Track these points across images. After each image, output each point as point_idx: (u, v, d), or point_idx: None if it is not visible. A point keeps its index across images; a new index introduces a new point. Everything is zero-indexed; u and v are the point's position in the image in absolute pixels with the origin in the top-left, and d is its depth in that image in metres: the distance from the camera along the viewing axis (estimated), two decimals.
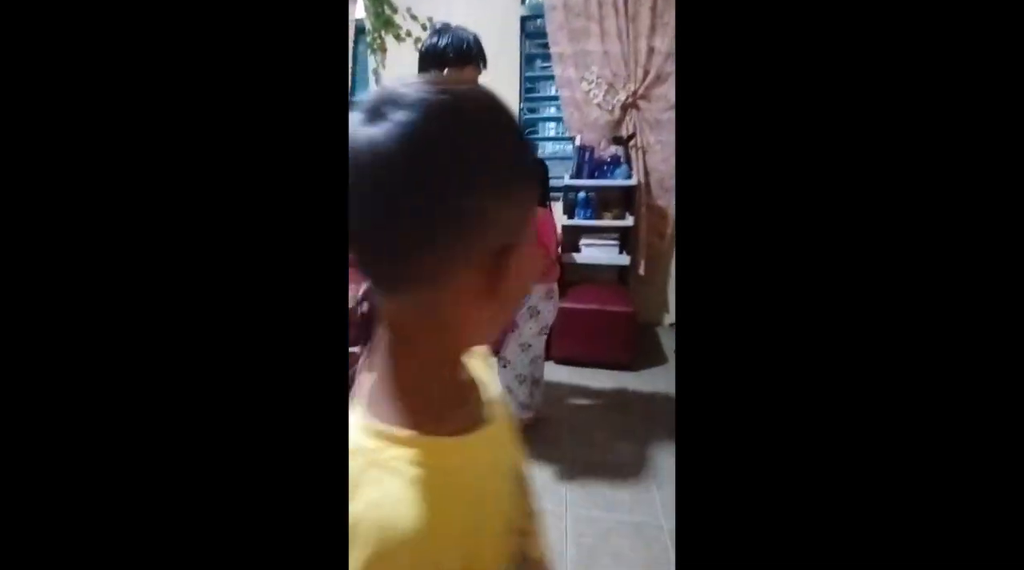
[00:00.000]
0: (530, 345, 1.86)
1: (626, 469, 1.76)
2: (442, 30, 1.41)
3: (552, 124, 3.18)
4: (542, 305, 1.82)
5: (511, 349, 1.85)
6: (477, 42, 1.41)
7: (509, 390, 1.89)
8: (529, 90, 3.00)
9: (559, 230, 2.73)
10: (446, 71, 1.39)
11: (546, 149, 3.25)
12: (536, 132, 3.16)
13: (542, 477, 1.70)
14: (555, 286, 1.86)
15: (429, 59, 1.41)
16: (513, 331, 1.83)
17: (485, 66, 1.44)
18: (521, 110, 3.00)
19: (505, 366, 1.87)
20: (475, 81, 1.42)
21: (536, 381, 1.95)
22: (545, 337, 1.90)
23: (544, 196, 1.76)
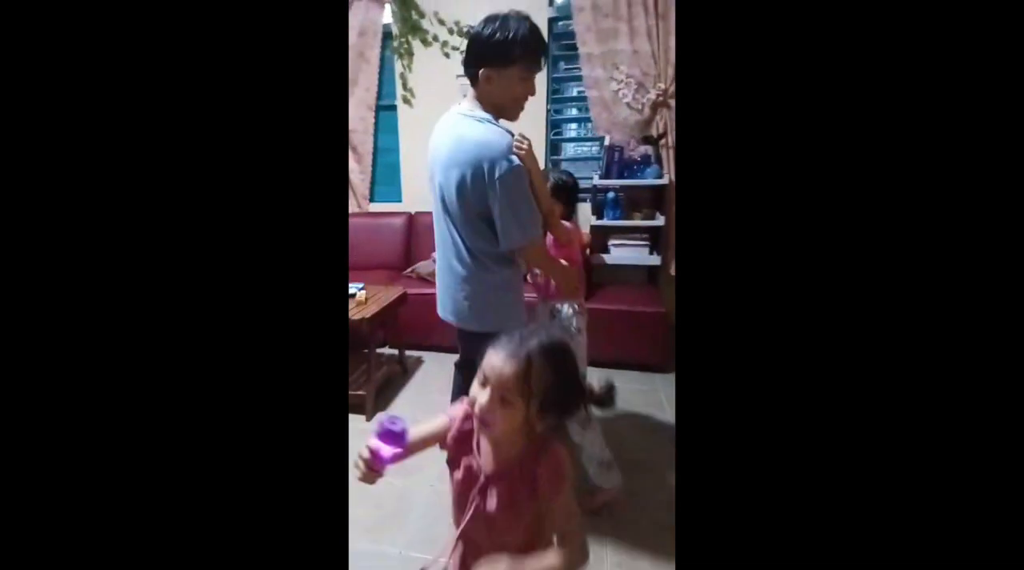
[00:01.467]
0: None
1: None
2: (490, 19, 1.20)
3: (574, 125, 3.17)
4: (573, 322, 1.65)
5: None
6: (526, 37, 1.18)
7: (576, 447, 1.60)
8: (554, 91, 3.00)
9: (586, 235, 2.70)
10: (482, 71, 1.19)
11: (568, 150, 3.23)
12: (560, 133, 3.15)
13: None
14: (583, 302, 1.70)
15: (469, 53, 1.23)
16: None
17: (539, 66, 1.23)
18: (548, 111, 2.99)
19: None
20: (517, 84, 1.21)
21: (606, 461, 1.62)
22: (585, 361, 1.73)
23: (572, 210, 1.69)
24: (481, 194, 1.20)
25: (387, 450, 0.71)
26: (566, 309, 1.65)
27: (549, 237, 1.49)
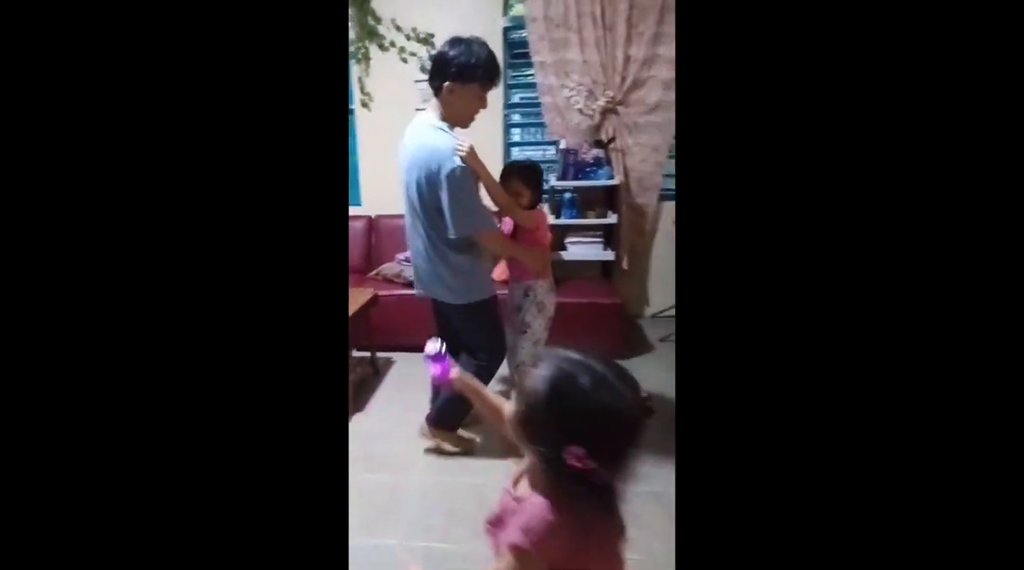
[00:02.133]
0: (540, 340, 1.96)
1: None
2: (455, 41, 1.48)
3: (521, 129, 3.31)
4: (547, 298, 1.92)
5: (526, 349, 1.91)
6: (486, 61, 1.48)
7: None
8: (508, 98, 3.12)
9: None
10: (446, 85, 1.47)
11: (519, 153, 3.37)
12: (515, 137, 3.28)
13: None
14: (552, 279, 1.96)
15: (435, 68, 1.50)
16: (525, 332, 1.91)
17: (493, 85, 1.53)
18: (505, 115, 3.11)
19: (518, 367, 1.93)
20: (474, 99, 1.51)
21: None
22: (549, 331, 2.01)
23: (539, 196, 1.86)
24: (434, 191, 1.50)
25: (438, 368, 0.92)
26: (541, 286, 1.87)
27: (509, 223, 1.84)
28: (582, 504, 0.60)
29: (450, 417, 1.85)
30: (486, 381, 1.71)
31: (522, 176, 1.78)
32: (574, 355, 0.64)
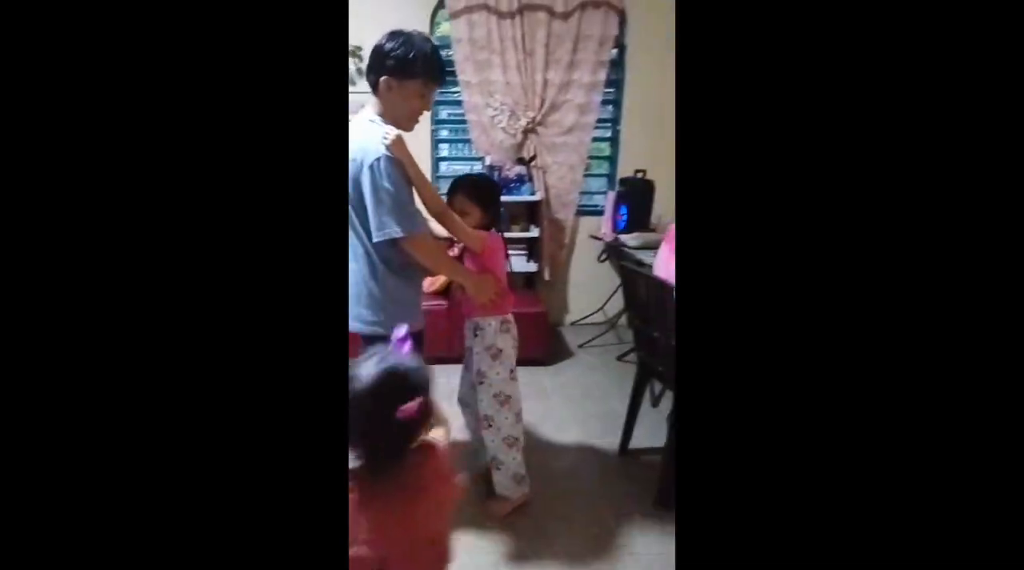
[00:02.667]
0: (509, 396, 1.56)
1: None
2: (394, 34, 1.28)
3: (449, 145, 3.40)
4: (502, 342, 1.53)
5: (486, 403, 1.56)
6: (428, 56, 1.27)
7: (498, 463, 1.60)
8: (435, 113, 3.20)
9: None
10: (383, 79, 1.27)
11: (447, 168, 3.45)
12: (440, 152, 3.36)
13: None
14: (511, 317, 1.57)
15: (371, 62, 1.30)
16: (482, 383, 1.55)
17: (437, 84, 1.34)
18: (433, 131, 3.18)
19: (490, 426, 1.57)
20: (414, 97, 1.30)
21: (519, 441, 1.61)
22: (518, 382, 1.60)
23: (492, 218, 1.52)
24: (358, 190, 1.24)
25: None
26: (490, 325, 1.53)
27: (457, 247, 1.54)
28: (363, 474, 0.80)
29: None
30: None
31: (468, 191, 1.47)
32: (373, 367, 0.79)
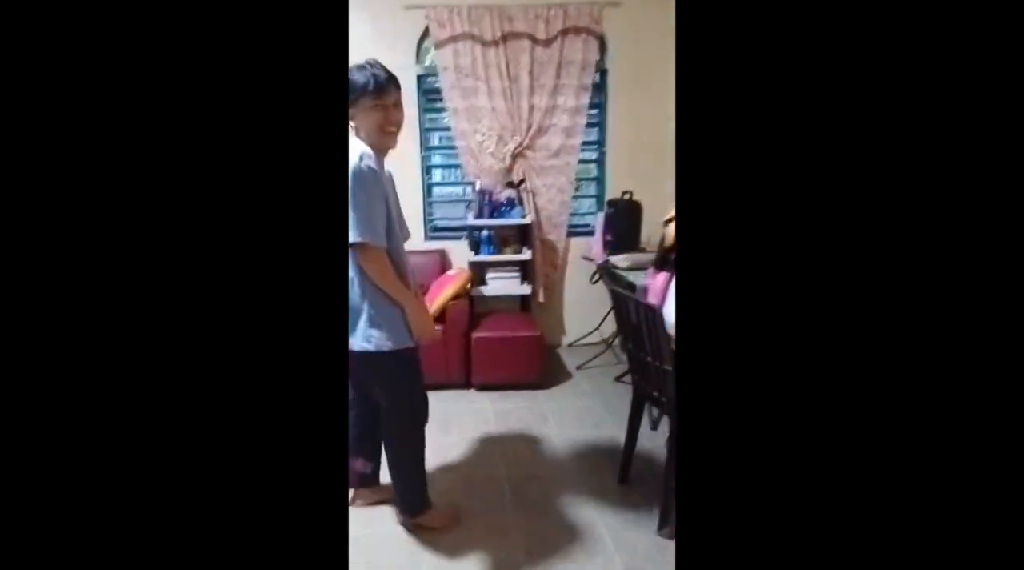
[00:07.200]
0: None
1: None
2: (353, 68, 1.39)
3: (440, 170, 3.43)
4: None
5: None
6: (364, 70, 1.39)
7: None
8: (426, 140, 3.22)
9: (463, 271, 2.93)
10: (350, 112, 1.38)
11: (438, 192, 3.47)
12: (431, 178, 3.38)
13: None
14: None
15: (355, 92, 1.39)
16: None
17: (386, 92, 1.42)
18: (424, 157, 3.20)
19: None
20: (371, 111, 1.39)
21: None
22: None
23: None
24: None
25: None
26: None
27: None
28: None
29: (413, 498, 1.64)
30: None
31: None
32: None
